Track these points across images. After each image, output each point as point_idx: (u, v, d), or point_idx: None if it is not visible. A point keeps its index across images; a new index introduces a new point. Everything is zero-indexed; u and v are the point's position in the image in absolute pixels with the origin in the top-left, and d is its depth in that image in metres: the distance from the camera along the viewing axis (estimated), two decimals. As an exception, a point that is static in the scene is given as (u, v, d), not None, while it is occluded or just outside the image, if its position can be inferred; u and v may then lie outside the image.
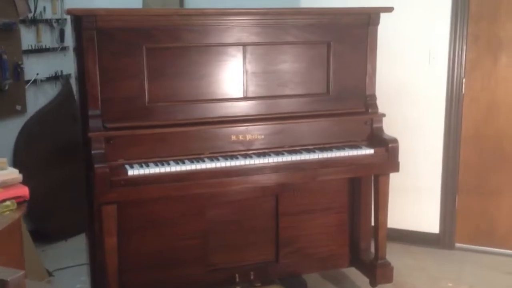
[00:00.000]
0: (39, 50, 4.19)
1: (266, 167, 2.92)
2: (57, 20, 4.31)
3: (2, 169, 2.46)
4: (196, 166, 2.80)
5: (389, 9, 3.22)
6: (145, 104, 2.88)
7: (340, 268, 3.61)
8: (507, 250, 3.98)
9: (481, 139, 3.95)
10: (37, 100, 4.22)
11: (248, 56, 3.04)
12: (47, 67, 4.28)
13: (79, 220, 3.59)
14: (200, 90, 2.99)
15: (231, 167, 2.86)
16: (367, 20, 3.19)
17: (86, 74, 2.77)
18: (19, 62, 3.93)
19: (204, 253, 3.18)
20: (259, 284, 3.24)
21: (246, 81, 3.06)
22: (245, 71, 3.05)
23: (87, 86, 2.78)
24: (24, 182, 2.48)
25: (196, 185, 2.82)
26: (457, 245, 4.08)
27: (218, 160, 2.87)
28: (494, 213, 4.00)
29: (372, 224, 3.37)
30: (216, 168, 2.84)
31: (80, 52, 2.80)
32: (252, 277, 3.22)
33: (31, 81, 4.10)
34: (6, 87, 3.79)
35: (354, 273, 3.57)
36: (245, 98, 3.07)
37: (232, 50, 3.02)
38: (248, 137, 3.00)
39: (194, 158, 2.87)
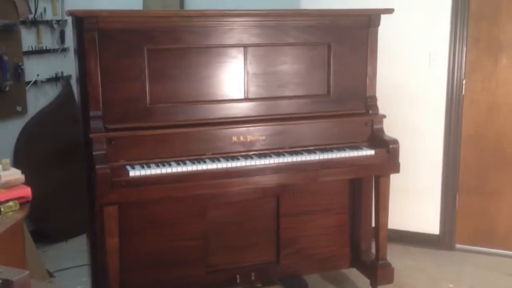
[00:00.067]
0: (40, 51, 4.20)
1: (267, 168, 2.93)
2: (58, 21, 4.31)
3: (5, 169, 2.47)
4: (197, 167, 2.81)
5: (389, 11, 3.22)
6: (146, 105, 2.88)
7: (340, 269, 3.62)
8: (508, 251, 3.98)
9: (481, 140, 3.96)
10: (37, 101, 4.22)
11: (249, 57, 3.04)
12: (48, 68, 4.28)
13: (79, 221, 3.60)
14: (201, 91, 2.99)
15: (232, 168, 2.87)
16: (368, 22, 3.19)
17: (87, 75, 2.78)
18: (20, 63, 3.93)
19: (205, 254, 3.18)
20: (259, 285, 3.24)
21: (247, 82, 3.07)
22: (246, 72, 3.06)
23: (89, 87, 2.78)
24: (25, 182, 2.49)
25: (197, 186, 2.82)
26: (457, 246, 4.08)
27: (219, 161, 2.88)
28: (494, 214, 4.01)
29: (373, 225, 3.37)
30: (217, 169, 2.84)
31: (81, 54, 2.81)
32: (253, 278, 3.22)
33: (31, 82, 4.11)
34: (7, 88, 3.79)
35: (354, 274, 3.57)
36: (246, 99, 3.07)
37: (233, 52, 3.02)
38: (249, 138, 3.01)
39: (195, 159, 2.88)
